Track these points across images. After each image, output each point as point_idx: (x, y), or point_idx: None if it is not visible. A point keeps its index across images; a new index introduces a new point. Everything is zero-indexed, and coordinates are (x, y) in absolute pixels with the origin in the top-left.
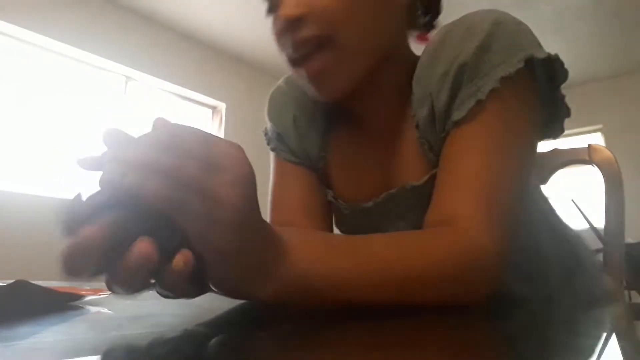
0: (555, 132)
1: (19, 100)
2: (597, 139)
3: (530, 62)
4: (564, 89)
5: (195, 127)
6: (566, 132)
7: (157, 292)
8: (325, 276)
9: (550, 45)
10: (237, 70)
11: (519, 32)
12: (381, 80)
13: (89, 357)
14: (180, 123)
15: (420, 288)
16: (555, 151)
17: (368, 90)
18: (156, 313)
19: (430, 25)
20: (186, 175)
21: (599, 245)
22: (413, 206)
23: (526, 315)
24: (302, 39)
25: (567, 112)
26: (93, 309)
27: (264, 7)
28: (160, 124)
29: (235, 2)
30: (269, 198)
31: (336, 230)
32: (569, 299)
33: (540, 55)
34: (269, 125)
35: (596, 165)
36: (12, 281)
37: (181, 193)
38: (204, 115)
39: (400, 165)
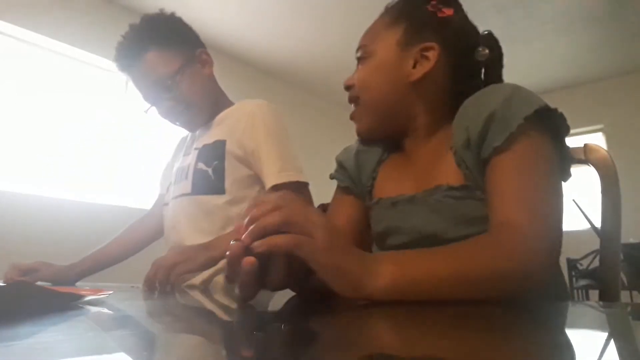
0: (566, 176)
1: (19, 100)
2: (598, 138)
3: (541, 111)
4: (567, 88)
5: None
6: None
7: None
8: (422, 280)
9: (550, 45)
10: (237, 70)
11: (532, 94)
12: (419, 125)
13: (89, 357)
14: (289, 202)
15: (490, 282)
16: None
17: (411, 133)
18: (156, 313)
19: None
20: (298, 228)
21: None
22: (441, 207)
23: (515, 315)
24: (349, 97)
25: (571, 160)
26: (93, 309)
27: (264, 7)
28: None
29: (236, 3)
30: None
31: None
32: (549, 300)
33: (549, 108)
34: (336, 164)
35: (592, 164)
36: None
37: (295, 239)
38: None
39: (438, 172)
